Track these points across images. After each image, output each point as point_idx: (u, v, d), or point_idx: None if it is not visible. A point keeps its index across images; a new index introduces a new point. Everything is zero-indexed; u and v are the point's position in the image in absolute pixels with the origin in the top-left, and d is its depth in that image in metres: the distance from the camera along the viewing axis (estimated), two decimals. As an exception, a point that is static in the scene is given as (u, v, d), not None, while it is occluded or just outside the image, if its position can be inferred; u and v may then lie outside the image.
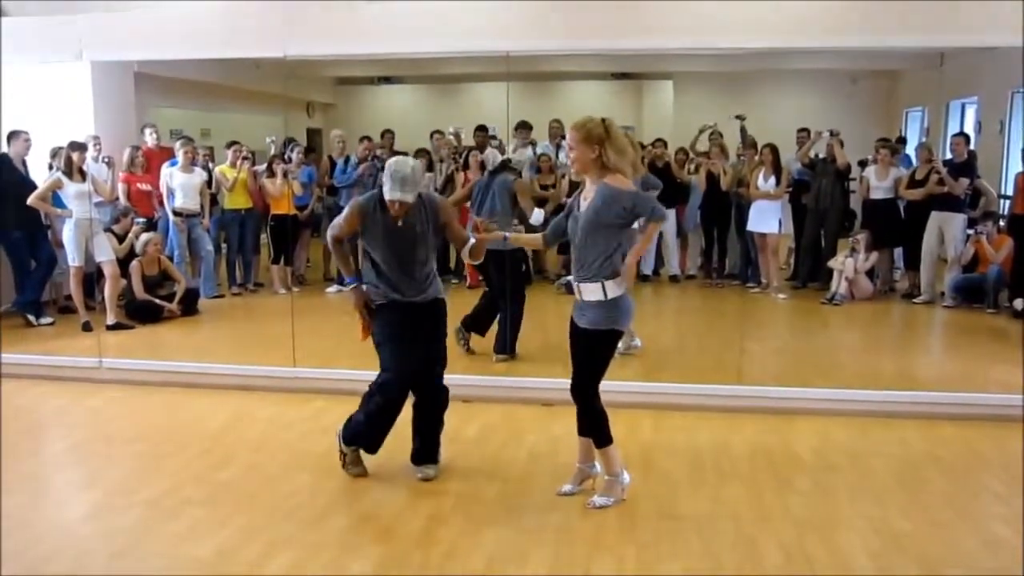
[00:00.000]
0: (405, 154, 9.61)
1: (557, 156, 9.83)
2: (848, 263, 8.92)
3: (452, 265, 9.48)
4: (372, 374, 4.60)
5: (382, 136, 10.33)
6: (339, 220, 4.58)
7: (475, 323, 6.89)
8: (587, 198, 4.11)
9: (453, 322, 6.40)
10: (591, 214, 4.03)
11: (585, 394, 4.22)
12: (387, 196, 4.30)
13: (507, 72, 7.16)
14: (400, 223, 4.41)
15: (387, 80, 13.96)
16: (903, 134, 10.69)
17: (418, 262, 4.51)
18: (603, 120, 4.02)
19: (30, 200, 7.67)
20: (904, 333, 8.64)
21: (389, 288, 4.53)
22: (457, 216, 5.25)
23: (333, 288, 9.26)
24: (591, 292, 4.09)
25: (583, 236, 4.07)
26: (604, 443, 4.26)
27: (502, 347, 6.71)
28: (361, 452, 4.67)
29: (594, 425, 4.26)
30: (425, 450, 4.69)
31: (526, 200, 6.91)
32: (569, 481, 4.43)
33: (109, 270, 7.82)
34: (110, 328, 7.75)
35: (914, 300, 8.91)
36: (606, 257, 4.04)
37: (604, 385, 4.25)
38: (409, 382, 4.55)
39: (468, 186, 7.32)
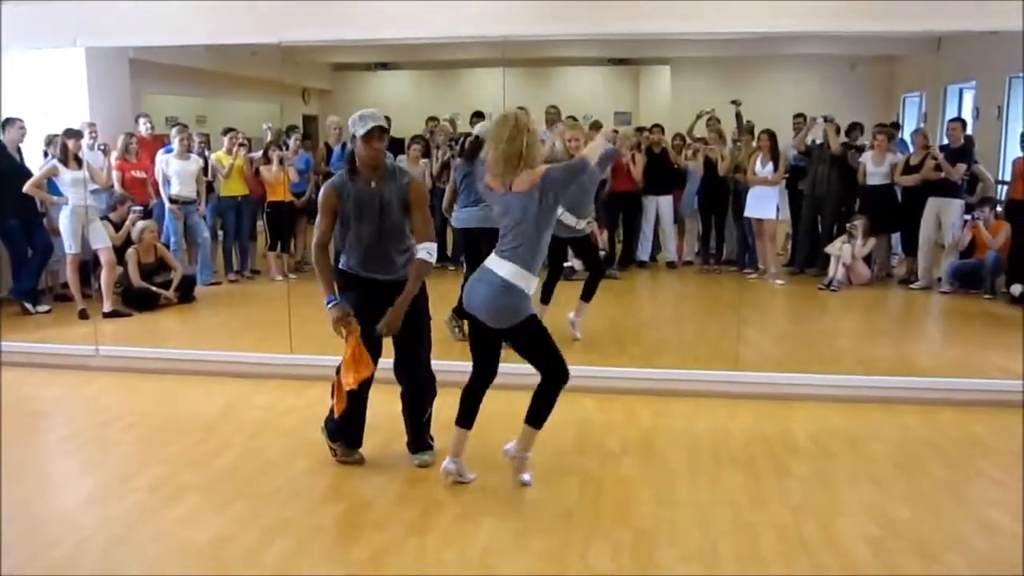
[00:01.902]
0: (402, 140, 9.67)
1: (554, 142, 9.79)
2: (845, 249, 8.92)
3: (449, 252, 9.45)
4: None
5: (378, 122, 10.28)
6: (318, 221, 4.46)
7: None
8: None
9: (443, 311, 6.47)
10: None
11: None
12: (363, 131, 4.24)
13: (504, 58, 7.14)
14: (372, 184, 4.33)
15: (384, 66, 13.88)
16: (900, 119, 10.67)
17: (391, 235, 4.42)
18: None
19: (26, 188, 7.65)
20: (902, 319, 8.65)
21: (361, 266, 4.47)
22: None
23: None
24: None
25: None
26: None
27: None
28: None
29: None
30: (416, 438, 4.68)
31: None
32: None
33: (105, 257, 7.80)
34: (107, 316, 7.74)
35: (911, 286, 8.91)
36: None
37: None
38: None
39: (450, 186, 7.24)
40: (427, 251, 4.37)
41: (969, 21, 5.81)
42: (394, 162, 4.51)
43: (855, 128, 9.55)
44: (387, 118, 10.36)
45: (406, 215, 4.45)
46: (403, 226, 4.47)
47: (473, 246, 6.85)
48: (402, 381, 4.62)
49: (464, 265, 7.03)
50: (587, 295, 6.86)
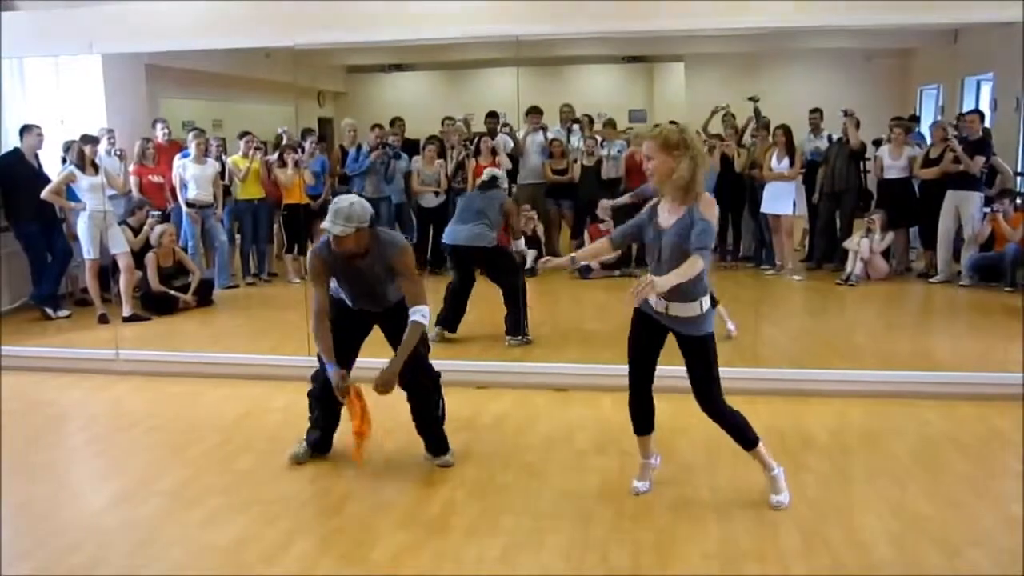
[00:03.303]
0: (416, 141, 9.69)
1: (568, 140, 9.80)
2: (863, 243, 8.86)
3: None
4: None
5: (392, 124, 10.31)
6: (314, 292, 4.46)
7: (449, 319, 6.98)
8: (671, 213, 3.84)
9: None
10: (675, 237, 3.78)
11: (716, 402, 4.07)
12: (323, 225, 4.25)
13: (517, 57, 7.13)
14: (358, 262, 4.36)
15: (397, 67, 13.91)
16: (917, 112, 10.59)
17: (383, 285, 4.48)
18: (677, 124, 3.88)
19: (44, 194, 7.70)
20: (921, 313, 8.60)
21: (352, 304, 4.56)
22: None
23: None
24: (688, 310, 3.87)
25: (671, 256, 3.79)
26: (751, 445, 4.13)
27: (514, 329, 6.77)
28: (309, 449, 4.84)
29: (735, 429, 4.13)
30: (431, 442, 4.71)
31: (515, 220, 7.11)
32: (638, 478, 4.32)
33: (124, 262, 7.85)
34: (126, 320, 7.79)
35: (930, 280, 8.85)
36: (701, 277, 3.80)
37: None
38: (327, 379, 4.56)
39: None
40: (421, 314, 4.37)
41: (986, 12, 5.77)
42: (380, 232, 4.42)
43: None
44: (400, 119, 10.41)
45: (395, 278, 4.45)
46: (394, 281, 4.49)
47: (465, 262, 7.00)
48: (409, 399, 4.64)
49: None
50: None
